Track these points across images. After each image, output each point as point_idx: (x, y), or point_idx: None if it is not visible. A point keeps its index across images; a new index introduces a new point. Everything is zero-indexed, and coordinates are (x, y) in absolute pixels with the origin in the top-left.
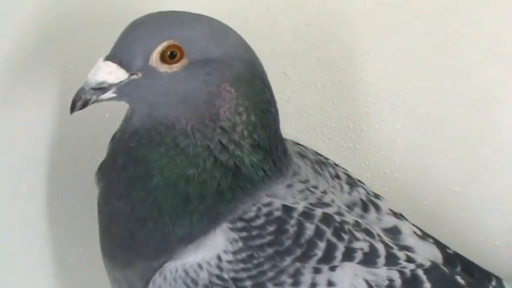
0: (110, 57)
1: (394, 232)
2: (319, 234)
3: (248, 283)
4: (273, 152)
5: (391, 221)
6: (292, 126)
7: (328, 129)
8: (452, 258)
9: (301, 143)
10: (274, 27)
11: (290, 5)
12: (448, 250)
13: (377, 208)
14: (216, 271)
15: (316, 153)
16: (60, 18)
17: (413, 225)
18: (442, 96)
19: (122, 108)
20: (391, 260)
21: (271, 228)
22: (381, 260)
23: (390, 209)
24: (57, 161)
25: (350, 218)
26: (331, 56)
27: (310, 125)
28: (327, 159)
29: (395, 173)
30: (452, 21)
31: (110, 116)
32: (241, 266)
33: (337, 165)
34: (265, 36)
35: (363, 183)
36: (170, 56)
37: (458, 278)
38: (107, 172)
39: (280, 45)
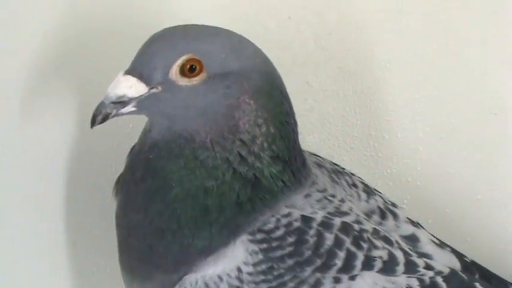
0: (129, 71)
1: (412, 240)
2: (338, 243)
3: None
4: (292, 163)
5: (409, 229)
6: (315, 136)
7: (351, 138)
8: (470, 267)
9: (323, 152)
10: (296, 37)
11: (312, 14)
12: (465, 258)
13: (395, 216)
14: (236, 283)
15: (333, 163)
16: (80, 32)
17: (431, 234)
18: (462, 104)
19: (145, 119)
20: (410, 268)
21: (290, 239)
22: (400, 268)
23: (407, 217)
24: (79, 173)
25: (368, 226)
26: (352, 65)
27: (333, 134)
28: (343, 168)
29: (418, 181)
30: (471, 30)
31: (133, 126)
32: (262, 277)
33: (353, 174)
34: (287, 45)
35: (380, 192)
36: (189, 69)
37: (478, 285)
38: (125, 185)
39: (302, 55)
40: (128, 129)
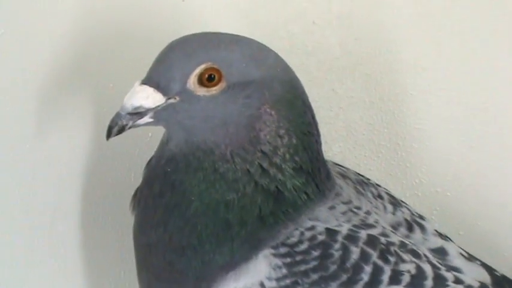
0: (146, 81)
1: (440, 253)
2: (364, 257)
3: None
4: (315, 175)
5: (437, 242)
6: (340, 144)
7: (378, 147)
8: (501, 281)
9: (349, 161)
10: (321, 42)
11: (337, 18)
12: (495, 272)
13: (422, 228)
14: None
15: (357, 173)
16: (98, 40)
17: (460, 247)
18: (494, 112)
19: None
20: (439, 282)
21: (315, 253)
22: (429, 282)
23: (435, 230)
24: (97, 183)
25: (395, 238)
26: (379, 71)
27: (359, 142)
28: (368, 179)
29: (447, 191)
30: (504, 34)
31: (152, 135)
32: None
33: (379, 185)
34: (312, 51)
35: (407, 204)
36: (208, 79)
37: None
38: (142, 199)
39: (327, 60)
40: (147, 139)
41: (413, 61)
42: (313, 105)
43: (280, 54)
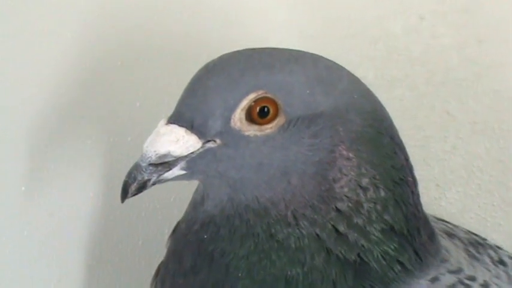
0: (174, 119)
1: None
2: None
3: None
4: (413, 237)
5: None
6: (458, 189)
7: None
8: None
9: (471, 212)
10: (431, 45)
11: (454, 13)
12: None
13: None
14: None
15: (469, 231)
16: (105, 65)
17: None
18: None
19: None
20: None
21: None
22: None
23: None
24: (116, 243)
25: None
26: None
27: (484, 186)
28: (484, 239)
29: None
30: None
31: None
32: None
33: (499, 247)
34: (418, 57)
35: None
36: (260, 113)
37: None
38: (168, 278)
39: (440, 71)
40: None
41: None
42: (420, 133)
43: (372, 63)
